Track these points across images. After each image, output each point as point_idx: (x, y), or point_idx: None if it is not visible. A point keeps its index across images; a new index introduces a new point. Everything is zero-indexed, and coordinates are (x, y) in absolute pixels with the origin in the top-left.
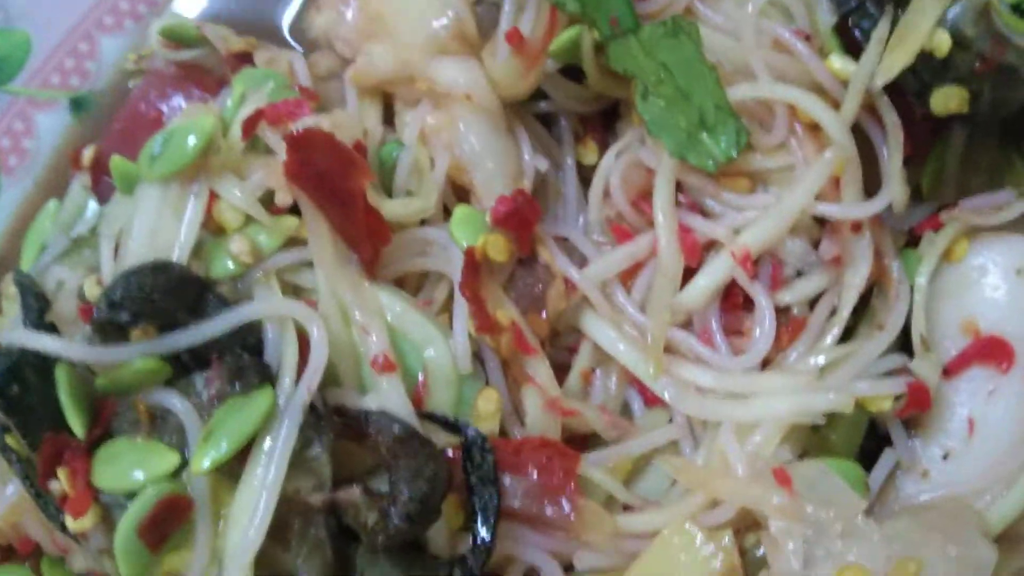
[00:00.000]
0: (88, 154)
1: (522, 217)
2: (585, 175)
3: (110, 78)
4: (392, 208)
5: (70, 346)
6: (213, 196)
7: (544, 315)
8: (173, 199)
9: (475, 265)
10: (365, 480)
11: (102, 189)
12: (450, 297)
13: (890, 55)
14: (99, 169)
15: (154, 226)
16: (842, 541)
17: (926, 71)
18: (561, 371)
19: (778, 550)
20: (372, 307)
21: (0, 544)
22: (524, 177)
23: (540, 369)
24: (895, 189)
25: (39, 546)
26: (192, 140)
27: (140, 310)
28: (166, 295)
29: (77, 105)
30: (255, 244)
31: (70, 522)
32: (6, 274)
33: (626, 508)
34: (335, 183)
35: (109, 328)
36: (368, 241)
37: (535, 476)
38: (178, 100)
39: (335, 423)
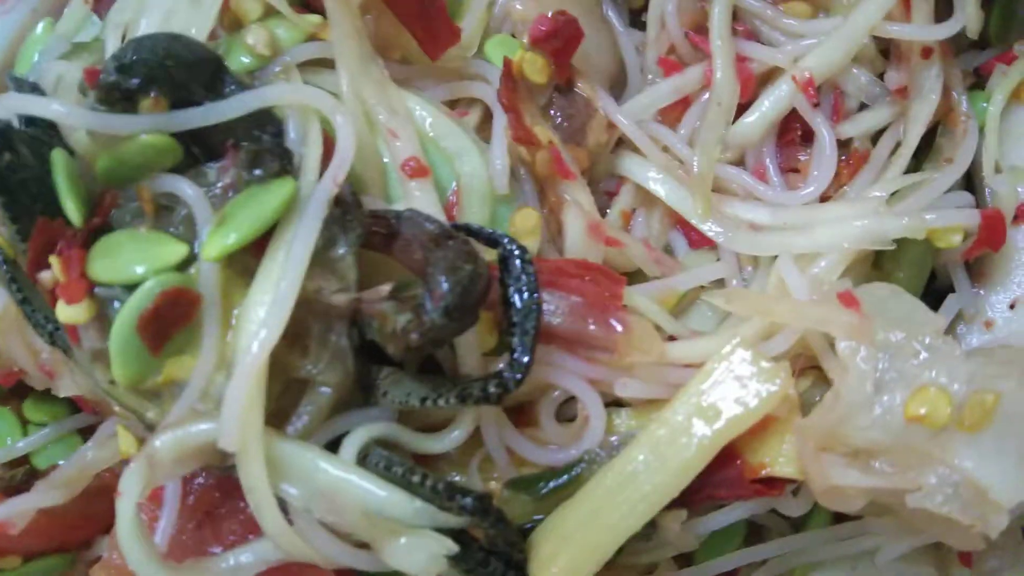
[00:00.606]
0: None
1: (564, 39)
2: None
3: None
4: None
5: (73, 110)
6: None
7: (584, 147)
8: None
9: (513, 76)
10: (392, 293)
11: (103, 6)
12: (484, 120)
13: None
14: None
15: (169, 10)
16: (918, 362)
17: None
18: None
19: (847, 373)
20: (400, 110)
21: None
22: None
23: (580, 194)
24: (970, 11)
25: (21, 384)
26: None
27: (152, 76)
28: (181, 65)
29: None
30: (274, 36)
31: (62, 312)
32: None
33: (671, 342)
34: None
35: (116, 95)
36: (434, 37)
37: (578, 295)
38: None
39: (363, 220)
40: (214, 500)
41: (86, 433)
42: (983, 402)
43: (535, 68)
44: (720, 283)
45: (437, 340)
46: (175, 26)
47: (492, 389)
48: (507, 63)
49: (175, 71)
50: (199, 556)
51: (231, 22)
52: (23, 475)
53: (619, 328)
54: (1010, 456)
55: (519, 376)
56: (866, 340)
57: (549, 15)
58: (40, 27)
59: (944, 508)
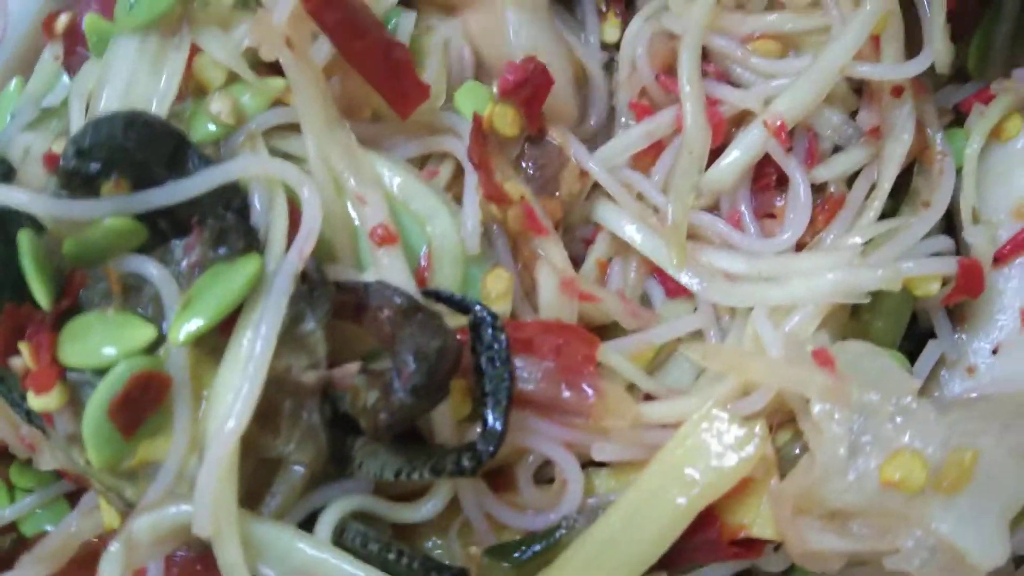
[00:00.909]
0: (63, 20)
1: (533, 87)
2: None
3: None
4: None
5: (35, 198)
6: (194, 50)
7: (558, 199)
8: (152, 51)
9: (483, 132)
10: (364, 362)
11: (74, 62)
12: (456, 176)
13: None
14: (73, 39)
15: (130, 80)
16: (893, 425)
17: None
18: (574, 265)
19: (822, 436)
20: (368, 175)
21: None
22: (585, 72)
23: (553, 250)
24: (938, 46)
25: (6, 450)
26: None
27: (112, 159)
28: (141, 145)
29: None
30: (238, 104)
31: (33, 401)
32: None
33: (647, 399)
34: (366, 19)
35: (77, 181)
36: (403, 95)
37: (551, 360)
38: None
39: (331, 294)
40: (196, 573)
41: (73, 497)
42: (961, 461)
43: (505, 121)
44: (699, 333)
45: (407, 419)
46: (136, 96)
47: (466, 463)
48: (476, 119)
49: (135, 152)
50: None
51: (195, 88)
52: (11, 543)
53: (591, 395)
54: (988, 517)
55: (491, 448)
56: (841, 402)
57: (517, 61)
58: (12, 84)
59: (922, 572)
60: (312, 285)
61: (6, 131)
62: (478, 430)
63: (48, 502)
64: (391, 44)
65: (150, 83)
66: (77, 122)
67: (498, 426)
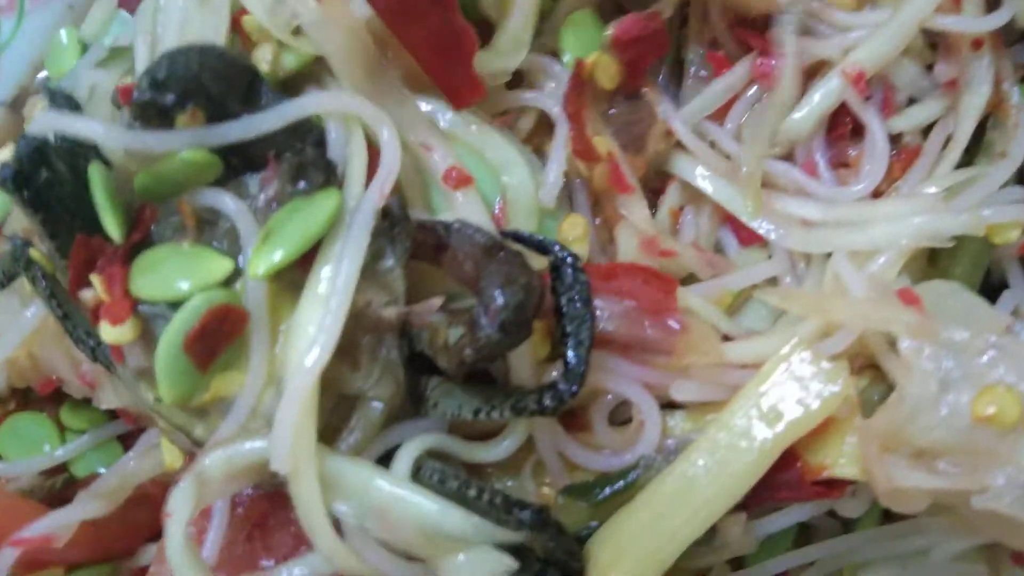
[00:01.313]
0: None
1: (646, 46)
2: None
3: None
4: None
5: (108, 130)
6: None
7: (643, 155)
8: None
9: (582, 81)
10: (442, 305)
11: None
12: (538, 125)
13: None
14: None
15: (183, 20)
16: (984, 360)
17: None
18: None
19: (911, 371)
20: (425, 121)
21: (17, 387)
22: None
23: (636, 208)
24: (1019, 1)
25: (59, 391)
26: None
27: (188, 91)
28: (216, 78)
29: None
30: (279, 60)
31: (107, 333)
32: (30, 97)
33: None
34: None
35: (152, 112)
36: (456, 90)
37: (631, 300)
38: None
39: (411, 231)
40: (264, 511)
41: (125, 439)
42: None
43: (608, 74)
44: (773, 281)
45: (491, 355)
46: (191, 34)
47: (548, 402)
48: (579, 67)
49: (210, 84)
50: (251, 569)
51: (243, 39)
52: (62, 483)
53: (677, 328)
54: None
55: (574, 388)
56: (930, 339)
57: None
58: (63, 33)
59: (1013, 510)
60: (393, 222)
61: (76, 69)
62: (557, 371)
63: (101, 443)
64: (450, 32)
65: (205, 22)
66: (142, 59)
67: (580, 366)
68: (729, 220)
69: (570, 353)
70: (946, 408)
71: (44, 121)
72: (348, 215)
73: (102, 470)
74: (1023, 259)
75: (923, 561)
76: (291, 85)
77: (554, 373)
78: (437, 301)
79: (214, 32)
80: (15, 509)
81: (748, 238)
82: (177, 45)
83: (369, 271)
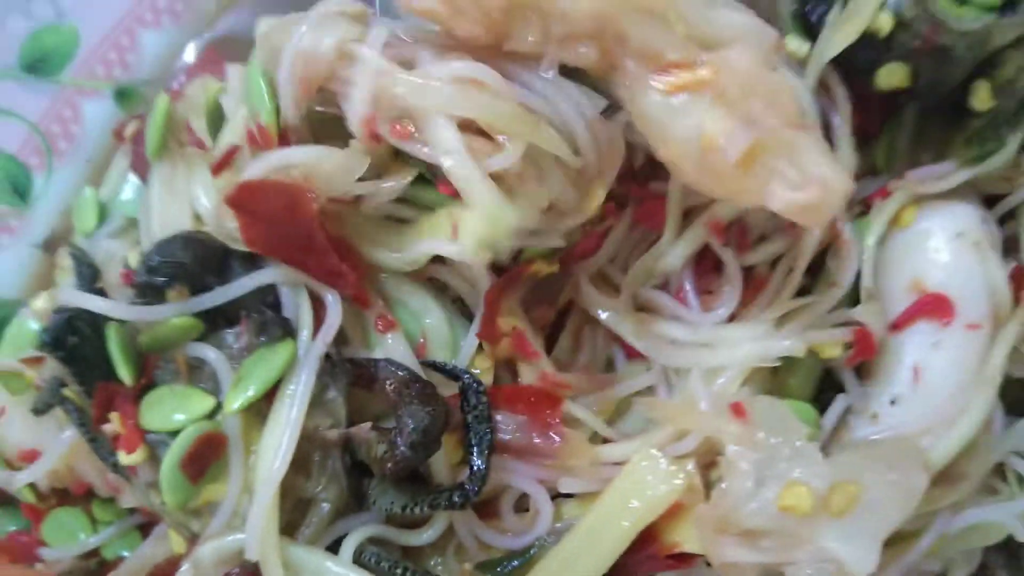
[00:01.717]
0: (131, 128)
1: (592, 249)
2: None
3: (149, 69)
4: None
5: (116, 306)
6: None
7: (555, 306)
8: (166, 178)
9: (519, 278)
10: (375, 421)
11: (140, 163)
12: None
13: (836, 33)
14: (139, 143)
15: (161, 203)
16: (787, 463)
17: (872, 50)
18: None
19: (733, 470)
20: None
21: (56, 487)
22: None
23: (539, 365)
24: (845, 155)
25: (91, 489)
26: (153, 125)
27: (174, 274)
28: (195, 260)
29: (120, 94)
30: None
31: (123, 458)
32: (60, 247)
33: (607, 442)
34: (286, 228)
35: (148, 290)
36: (345, 280)
37: (524, 415)
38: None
39: (348, 370)
40: None
41: (143, 528)
42: (848, 491)
43: (547, 270)
44: (652, 388)
45: (407, 467)
46: (169, 219)
47: (456, 499)
48: (522, 267)
49: (191, 265)
50: None
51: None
52: (95, 565)
53: (557, 439)
54: (866, 536)
55: (476, 488)
56: (748, 444)
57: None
58: (87, 193)
59: None
60: (334, 364)
61: (96, 237)
62: (467, 473)
63: (125, 532)
64: (331, 271)
65: (173, 205)
66: (144, 235)
67: (482, 468)
68: (617, 339)
69: (474, 460)
70: (760, 500)
71: (69, 297)
72: (300, 359)
73: (126, 553)
74: (858, 367)
75: None
76: None
77: (466, 473)
78: (367, 425)
79: (180, 212)
80: None
81: (633, 353)
82: (162, 233)
83: (317, 401)
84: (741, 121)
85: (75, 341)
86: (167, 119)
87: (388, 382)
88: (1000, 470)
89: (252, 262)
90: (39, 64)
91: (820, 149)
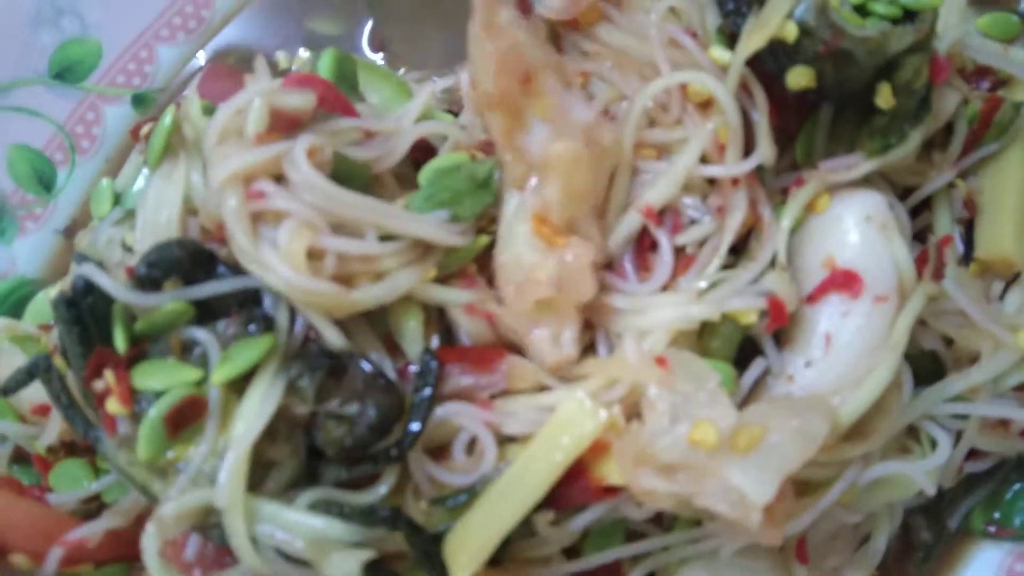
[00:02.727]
0: (146, 129)
1: None
2: None
3: (164, 79)
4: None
5: (123, 290)
6: None
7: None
8: (166, 171)
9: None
10: (338, 408)
11: None
12: None
13: (749, 40)
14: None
15: (157, 189)
16: (699, 406)
17: (781, 54)
18: None
19: (651, 409)
20: None
21: (65, 440)
22: None
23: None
24: (764, 149)
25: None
26: (158, 134)
27: (170, 268)
28: (189, 259)
29: (138, 100)
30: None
31: (110, 406)
32: (79, 233)
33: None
34: None
35: (147, 282)
36: None
37: (472, 364)
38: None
39: (324, 363)
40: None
41: None
42: (752, 432)
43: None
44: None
45: (364, 446)
46: (160, 217)
47: (393, 452)
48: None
49: (184, 263)
50: (219, 568)
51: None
52: (96, 507)
53: (504, 369)
54: (767, 471)
55: (410, 442)
56: (667, 387)
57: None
58: (104, 183)
59: (718, 507)
60: (313, 357)
61: (101, 227)
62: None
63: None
64: None
65: (167, 190)
66: (140, 218)
67: (415, 428)
68: None
69: (412, 421)
70: (673, 435)
71: (87, 271)
72: (280, 347)
73: (122, 498)
74: (777, 338)
75: (716, 559)
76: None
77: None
78: (336, 404)
79: (173, 195)
80: (63, 523)
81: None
82: (155, 213)
83: (291, 386)
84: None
85: (87, 304)
86: (172, 129)
87: (356, 373)
88: (914, 433)
89: (238, 267)
90: (66, 72)
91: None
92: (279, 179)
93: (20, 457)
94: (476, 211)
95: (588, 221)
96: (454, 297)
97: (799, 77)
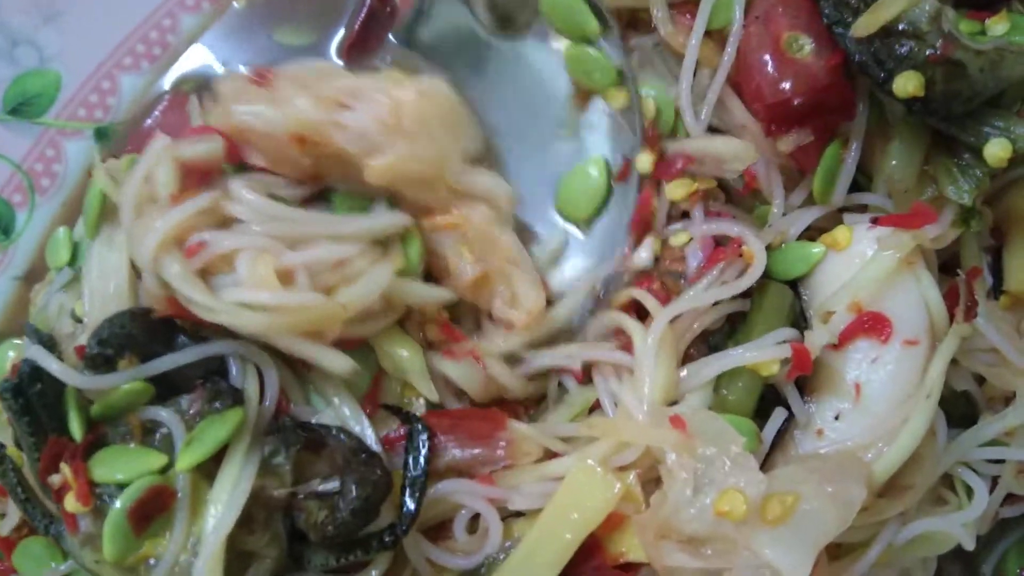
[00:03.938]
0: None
1: None
2: None
3: (128, 111)
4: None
5: (73, 374)
6: None
7: None
8: (106, 237)
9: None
10: (318, 486)
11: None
12: None
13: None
14: None
15: (99, 257)
16: (724, 471)
17: (889, 59)
18: None
19: (673, 479)
20: None
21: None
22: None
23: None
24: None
25: None
26: (89, 206)
27: (123, 344)
28: (143, 332)
29: (100, 134)
30: None
31: (69, 504)
32: (36, 284)
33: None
34: None
35: (100, 360)
36: None
37: (468, 435)
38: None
39: (299, 436)
40: None
41: None
42: (784, 501)
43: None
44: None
45: (347, 532)
46: (107, 269)
47: (387, 539)
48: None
49: (139, 336)
50: None
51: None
52: None
53: (504, 445)
54: (801, 544)
55: (406, 527)
56: (687, 453)
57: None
58: (61, 232)
59: None
60: (287, 430)
61: (48, 292)
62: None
63: None
64: None
65: (111, 256)
66: (86, 287)
67: (412, 511)
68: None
69: (407, 501)
70: (697, 506)
71: (34, 354)
72: (249, 423)
73: None
74: (802, 387)
75: None
76: None
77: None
78: (315, 482)
79: (118, 261)
80: None
81: (582, 379)
82: (100, 283)
83: (265, 464)
84: (474, 257)
85: (35, 392)
86: (102, 200)
87: (337, 448)
88: (948, 480)
89: (198, 335)
90: (23, 107)
91: (528, 280)
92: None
93: None
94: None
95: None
96: (435, 295)
97: (907, 82)
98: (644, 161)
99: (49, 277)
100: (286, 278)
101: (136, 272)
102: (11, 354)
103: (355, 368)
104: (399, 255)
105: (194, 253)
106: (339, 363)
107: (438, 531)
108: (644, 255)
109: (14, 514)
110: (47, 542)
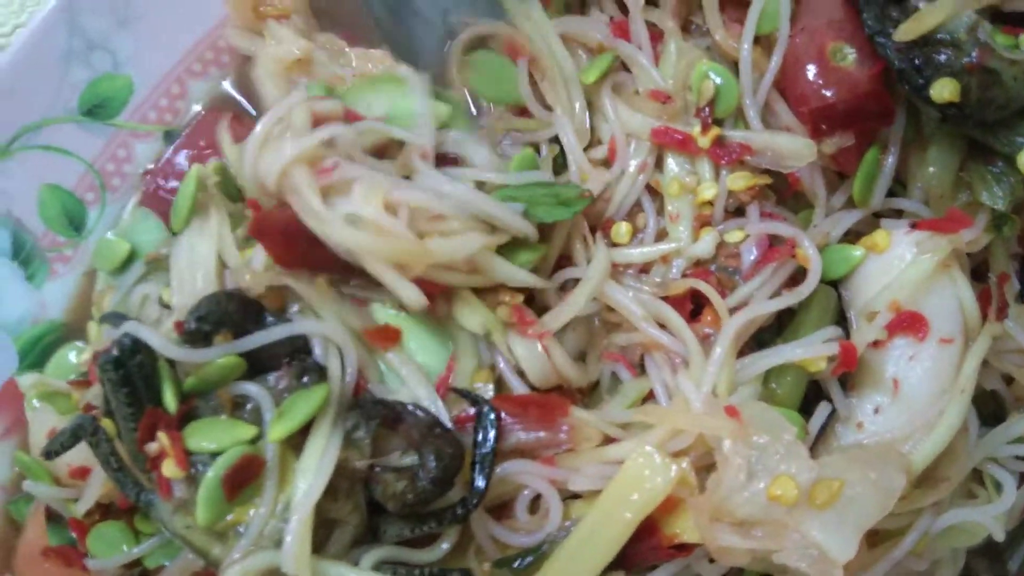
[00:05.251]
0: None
1: None
2: None
3: (195, 114)
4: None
5: (173, 347)
6: None
7: None
8: (196, 227)
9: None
10: (396, 460)
11: (151, 199)
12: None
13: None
14: (157, 176)
15: (190, 247)
16: (777, 459)
17: (927, 67)
18: None
19: (728, 465)
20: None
21: (102, 502)
22: None
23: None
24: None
25: (133, 505)
26: (183, 194)
27: (220, 321)
28: (237, 311)
29: (169, 136)
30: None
31: (166, 469)
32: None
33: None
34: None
35: (198, 337)
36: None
37: (536, 418)
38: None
39: (379, 412)
40: None
41: None
42: (831, 486)
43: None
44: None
45: (426, 500)
46: (200, 270)
47: (459, 511)
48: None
49: (234, 315)
50: None
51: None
52: (138, 572)
53: (566, 429)
54: (847, 526)
55: (476, 501)
56: (742, 441)
57: None
58: (110, 236)
59: (798, 564)
60: (368, 406)
61: (122, 289)
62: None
63: (166, 542)
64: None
65: (201, 258)
66: (175, 276)
67: (481, 488)
68: (622, 359)
69: (477, 478)
70: (751, 490)
71: (132, 328)
72: (333, 399)
73: (166, 563)
74: (844, 383)
75: None
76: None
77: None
78: (396, 455)
79: (207, 254)
80: None
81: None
82: (190, 272)
83: (348, 438)
84: None
85: (135, 364)
86: (197, 188)
87: (413, 424)
88: (977, 476)
89: (282, 317)
90: (97, 109)
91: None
92: None
93: (50, 517)
94: (548, 220)
95: None
96: (521, 277)
97: (944, 88)
98: (703, 140)
99: (104, 280)
100: (390, 210)
101: (223, 263)
102: (72, 356)
103: (425, 303)
104: (503, 238)
105: (327, 172)
106: (414, 297)
107: (501, 510)
108: (706, 246)
109: (89, 497)
110: (120, 526)
